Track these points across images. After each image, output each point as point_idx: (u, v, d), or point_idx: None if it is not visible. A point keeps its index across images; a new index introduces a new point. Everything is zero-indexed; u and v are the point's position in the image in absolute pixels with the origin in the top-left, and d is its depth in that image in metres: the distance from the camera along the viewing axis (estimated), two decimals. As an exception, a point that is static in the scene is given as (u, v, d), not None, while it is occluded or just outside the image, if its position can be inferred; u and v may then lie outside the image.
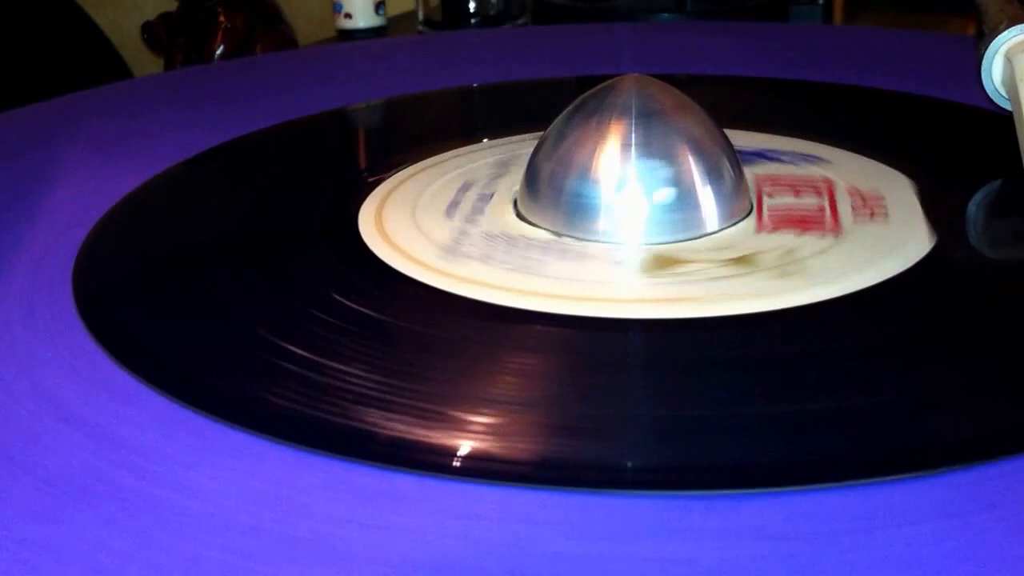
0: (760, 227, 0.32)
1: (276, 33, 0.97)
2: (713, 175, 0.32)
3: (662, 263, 0.30)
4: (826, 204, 0.33)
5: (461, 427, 0.23)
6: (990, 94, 0.41)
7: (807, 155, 0.39)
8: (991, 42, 0.40)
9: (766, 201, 0.34)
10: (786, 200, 0.34)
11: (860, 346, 0.26)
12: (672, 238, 0.31)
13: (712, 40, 0.63)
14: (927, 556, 0.19)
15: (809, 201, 0.34)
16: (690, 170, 0.32)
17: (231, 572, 0.19)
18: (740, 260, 0.30)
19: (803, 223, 0.32)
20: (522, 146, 0.39)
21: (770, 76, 0.52)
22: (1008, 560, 0.19)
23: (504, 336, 0.27)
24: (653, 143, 0.32)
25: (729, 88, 0.51)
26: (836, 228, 0.32)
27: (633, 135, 0.32)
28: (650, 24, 0.79)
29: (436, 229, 0.33)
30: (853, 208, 0.33)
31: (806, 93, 0.49)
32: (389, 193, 0.37)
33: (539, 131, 0.35)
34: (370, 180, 0.38)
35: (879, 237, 0.31)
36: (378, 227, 0.34)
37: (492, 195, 0.36)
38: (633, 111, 0.32)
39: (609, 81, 0.34)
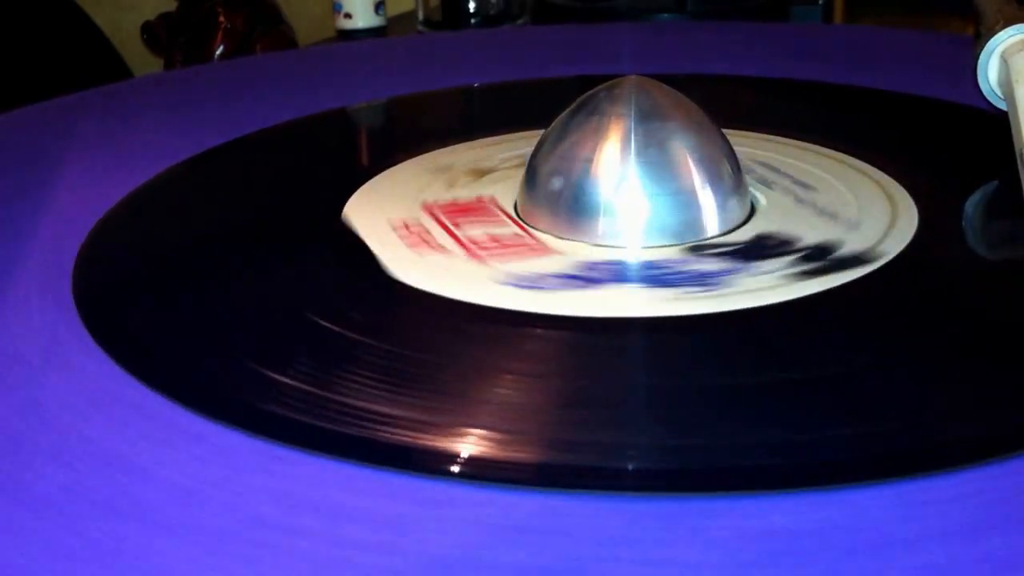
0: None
1: (276, 33, 0.97)
2: (713, 177, 0.32)
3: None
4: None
5: (461, 431, 0.23)
6: (986, 94, 0.41)
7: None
8: (987, 42, 0.40)
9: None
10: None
11: (846, 346, 0.26)
12: (672, 240, 0.31)
13: (712, 40, 0.63)
14: (927, 556, 0.19)
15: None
16: (690, 172, 0.32)
17: (229, 572, 0.19)
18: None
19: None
20: (522, 146, 0.40)
21: (770, 76, 0.52)
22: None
23: (502, 338, 0.28)
24: (652, 144, 0.32)
25: (729, 88, 0.51)
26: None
27: (633, 136, 0.32)
28: (650, 24, 0.79)
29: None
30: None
31: (806, 93, 0.49)
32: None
33: (539, 131, 0.35)
34: (370, 180, 0.38)
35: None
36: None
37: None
38: (633, 112, 0.32)
39: (609, 82, 0.34)
